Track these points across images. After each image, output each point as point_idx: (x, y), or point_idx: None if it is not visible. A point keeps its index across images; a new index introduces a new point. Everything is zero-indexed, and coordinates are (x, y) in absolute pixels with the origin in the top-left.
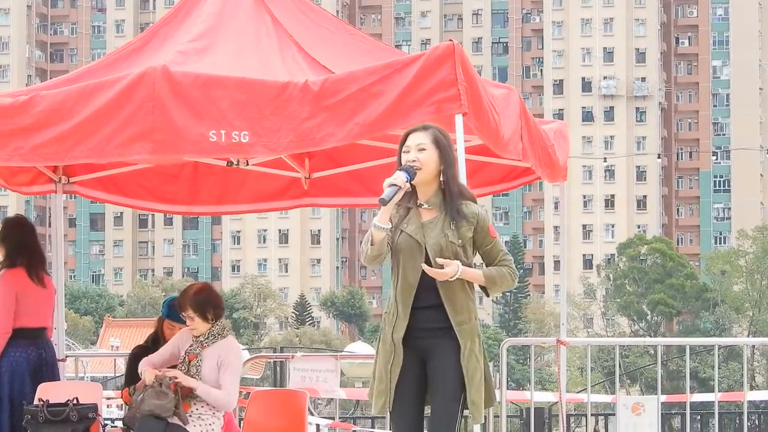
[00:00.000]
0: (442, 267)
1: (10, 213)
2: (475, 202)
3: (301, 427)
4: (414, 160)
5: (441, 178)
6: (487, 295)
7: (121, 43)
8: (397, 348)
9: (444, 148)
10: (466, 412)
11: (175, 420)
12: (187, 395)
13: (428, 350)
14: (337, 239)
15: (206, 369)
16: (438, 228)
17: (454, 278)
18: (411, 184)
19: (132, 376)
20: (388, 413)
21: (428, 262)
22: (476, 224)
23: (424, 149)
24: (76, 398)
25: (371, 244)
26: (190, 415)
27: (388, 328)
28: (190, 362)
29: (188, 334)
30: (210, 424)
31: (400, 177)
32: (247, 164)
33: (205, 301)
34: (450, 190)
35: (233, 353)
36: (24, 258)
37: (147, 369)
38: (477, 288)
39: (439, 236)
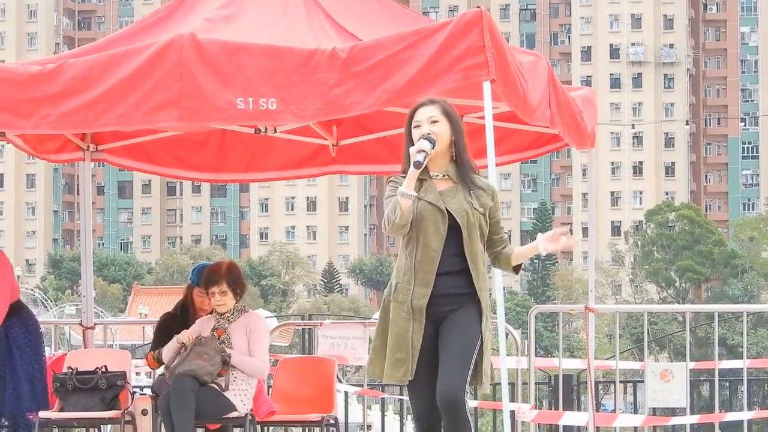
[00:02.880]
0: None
1: (39, 181)
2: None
3: (330, 394)
4: (429, 133)
5: (453, 149)
6: (516, 272)
7: (148, 10)
8: (417, 315)
9: (454, 120)
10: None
11: (210, 384)
12: (225, 362)
13: (449, 312)
14: (365, 206)
15: (237, 341)
16: (459, 196)
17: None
18: None
19: (160, 343)
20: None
21: (451, 228)
22: (493, 195)
23: (436, 121)
24: (105, 366)
25: (400, 212)
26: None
27: (403, 296)
28: (219, 338)
29: (207, 321)
30: (244, 391)
31: (425, 144)
32: (275, 131)
33: (237, 278)
34: (462, 161)
35: (260, 323)
36: None
37: (184, 333)
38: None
39: (462, 203)
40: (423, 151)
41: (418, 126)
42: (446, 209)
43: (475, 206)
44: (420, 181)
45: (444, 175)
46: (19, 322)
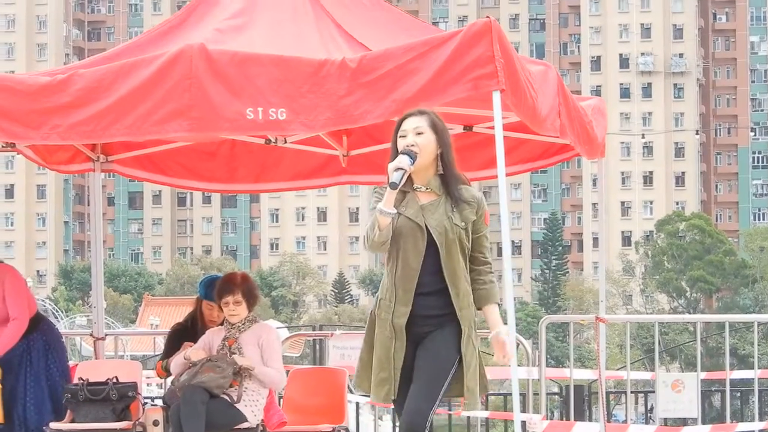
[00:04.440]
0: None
1: (49, 192)
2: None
3: (341, 405)
4: (412, 144)
5: (438, 162)
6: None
7: (158, 21)
8: (398, 334)
9: (441, 132)
10: (460, 400)
11: (220, 395)
12: (237, 374)
13: (428, 334)
14: None
15: (248, 351)
16: (440, 211)
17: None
18: None
19: (170, 353)
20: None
21: (430, 245)
22: (477, 207)
23: (421, 133)
24: (116, 377)
25: (378, 230)
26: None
27: (385, 315)
28: (230, 347)
29: (217, 332)
30: (255, 401)
31: (404, 161)
32: (285, 142)
33: (252, 289)
34: (449, 174)
35: (272, 334)
36: None
37: (194, 349)
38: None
39: (442, 218)
40: (401, 168)
41: (404, 136)
42: (425, 225)
43: (455, 221)
44: (403, 193)
45: (427, 188)
46: (41, 335)
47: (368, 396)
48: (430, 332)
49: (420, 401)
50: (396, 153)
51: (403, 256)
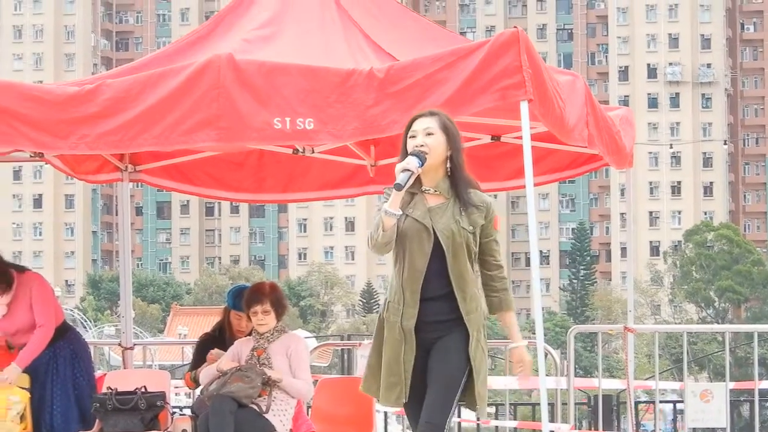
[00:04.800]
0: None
1: (77, 202)
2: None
3: (369, 414)
4: (422, 145)
5: (447, 165)
6: (491, 314)
7: (186, 31)
8: (407, 337)
9: (451, 134)
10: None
11: (248, 405)
12: (266, 384)
13: (436, 341)
14: None
15: (277, 362)
16: (448, 214)
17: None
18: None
19: (199, 363)
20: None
21: (437, 248)
22: (486, 212)
23: (431, 134)
24: (145, 386)
25: (382, 231)
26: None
27: (394, 317)
28: (259, 357)
29: (246, 342)
30: (283, 411)
31: (412, 162)
32: (313, 152)
33: (280, 299)
34: (458, 177)
35: (301, 344)
36: (15, 267)
37: (223, 359)
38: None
39: (449, 222)
40: (408, 170)
41: (414, 137)
42: (432, 228)
43: (463, 225)
44: (411, 194)
45: (435, 191)
46: (67, 343)
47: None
48: (439, 338)
49: (435, 413)
50: (405, 154)
51: (410, 258)
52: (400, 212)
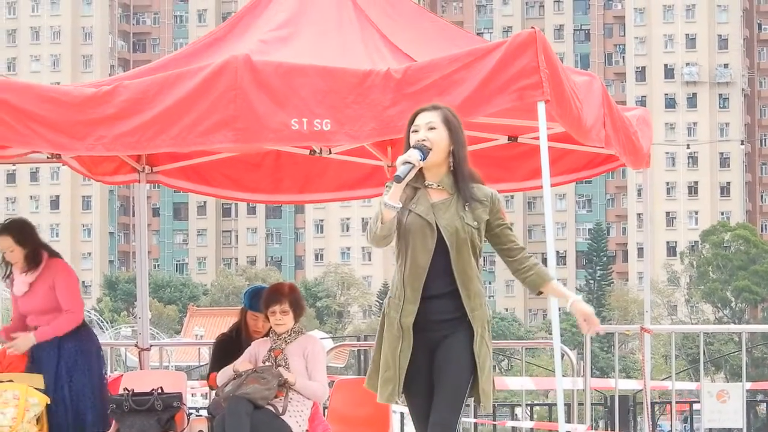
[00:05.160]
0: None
1: (94, 203)
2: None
3: (386, 415)
4: (425, 139)
5: (450, 160)
6: (537, 295)
7: (203, 32)
8: (405, 334)
9: (454, 129)
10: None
11: (264, 406)
12: (282, 385)
13: (440, 341)
14: None
15: (294, 363)
16: (452, 210)
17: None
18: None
19: (217, 363)
20: (396, 402)
21: (440, 244)
22: (491, 205)
23: (434, 128)
24: (161, 387)
25: (381, 223)
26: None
27: (394, 313)
28: (276, 358)
29: (263, 343)
30: (300, 412)
31: (414, 155)
32: (330, 152)
33: (299, 299)
34: (461, 172)
35: (318, 346)
36: (48, 251)
37: (240, 361)
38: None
39: (453, 218)
40: (409, 162)
41: (416, 131)
42: (435, 224)
43: (467, 221)
44: (414, 189)
45: (438, 186)
46: (77, 342)
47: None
48: (444, 337)
49: (446, 413)
50: (408, 148)
51: (412, 254)
52: (400, 205)
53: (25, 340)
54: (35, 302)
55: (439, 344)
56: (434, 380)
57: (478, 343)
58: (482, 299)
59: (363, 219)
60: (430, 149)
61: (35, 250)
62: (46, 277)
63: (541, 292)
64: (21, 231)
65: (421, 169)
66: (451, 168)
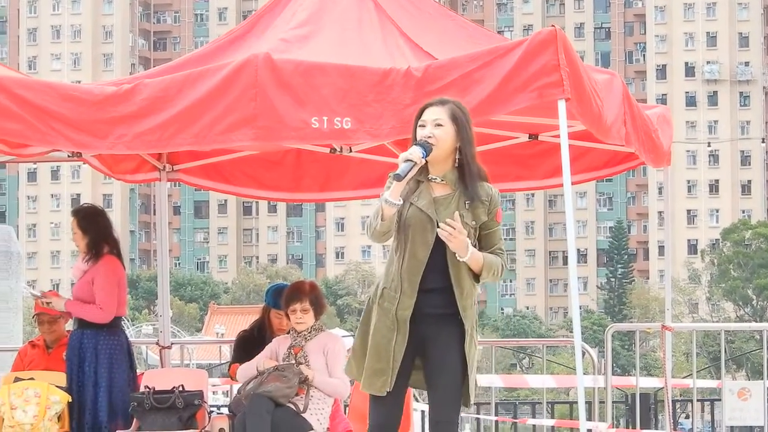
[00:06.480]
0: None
1: (115, 201)
2: (488, 182)
3: (407, 413)
4: (430, 136)
5: (456, 155)
6: (476, 281)
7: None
8: (401, 326)
9: (461, 125)
10: None
11: (285, 404)
12: (303, 382)
13: (431, 336)
14: None
15: (314, 360)
16: (452, 206)
17: (465, 258)
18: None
19: (239, 357)
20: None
21: (439, 239)
22: (489, 206)
23: (440, 125)
24: (182, 385)
25: (381, 220)
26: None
27: (388, 305)
28: (296, 355)
29: (284, 340)
30: (320, 410)
31: (416, 152)
32: (350, 151)
33: (320, 298)
34: (467, 169)
35: (339, 343)
36: (111, 246)
37: (263, 359)
38: None
39: (454, 214)
40: (410, 160)
41: (423, 126)
42: (436, 219)
43: (466, 219)
44: (416, 182)
45: (442, 180)
46: (104, 341)
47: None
48: (435, 332)
49: (449, 411)
50: (414, 142)
51: (411, 247)
52: (401, 202)
53: (58, 302)
54: (77, 290)
55: (430, 340)
56: (428, 379)
57: (468, 343)
58: (473, 299)
59: None
60: (434, 146)
61: (97, 242)
62: (93, 271)
63: (476, 277)
64: (86, 218)
65: (426, 162)
66: (457, 163)
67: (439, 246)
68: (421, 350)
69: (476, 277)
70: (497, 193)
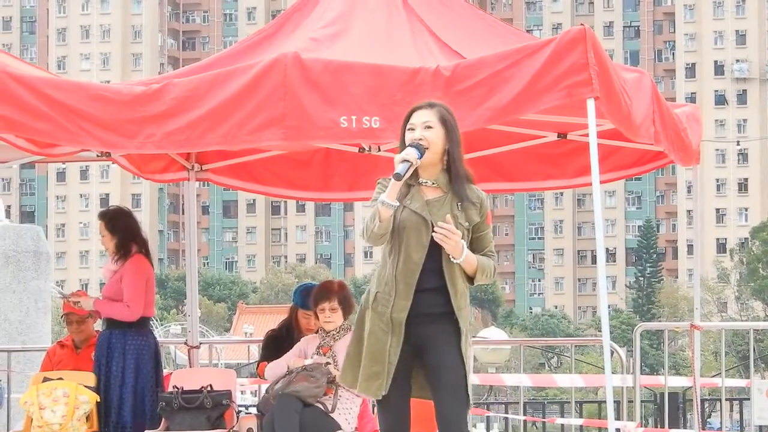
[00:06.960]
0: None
1: (144, 201)
2: (475, 185)
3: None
4: (421, 138)
5: (445, 158)
6: (471, 284)
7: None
8: (396, 329)
9: (450, 127)
10: None
11: (313, 404)
12: (331, 382)
13: (427, 337)
14: None
15: (342, 360)
16: (446, 208)
17: (460, 260)
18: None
19: (268, 356)
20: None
21: (433, 240)
22: (480, 208)
23: (430, 127)
24: (210, 385)
25: (379, 222)
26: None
27: (382, 308)
28: (324, 354)
29: (312, 339)
30: (348, 410)
31: (411, 153)
32: (379, 150)
33: (348, 297)
34: (455, 171)
35: None
36: (139, 246)
37: (293, 359)
38: None
39: (446, 217)
40: (407, 161)
41: (412, 129)
42: (431, 221)
43: (460, 221)
44: (407, 186)
45: (433, 183)
46: (132, 341)
47: (357, 391)
48: (429, 332)
49: (456, 412)
50: (404, 146)
51: (406, 249)
52: (398, 203)
53: (86, 302)
54: (106, 289)
55: (427, 341)
56: (431, 380)
57: (464, 343)
58: (467, 299)
59: None
60: (427, 148)
61: (125, 243)
62: (122, 270)
63: (471, 280)
64: (113, 219)
65: (416, 166)
66: (446, 166)
67: (434, 247)
68: (419, 354)
69: (470, 279)
70: (486, 196)
